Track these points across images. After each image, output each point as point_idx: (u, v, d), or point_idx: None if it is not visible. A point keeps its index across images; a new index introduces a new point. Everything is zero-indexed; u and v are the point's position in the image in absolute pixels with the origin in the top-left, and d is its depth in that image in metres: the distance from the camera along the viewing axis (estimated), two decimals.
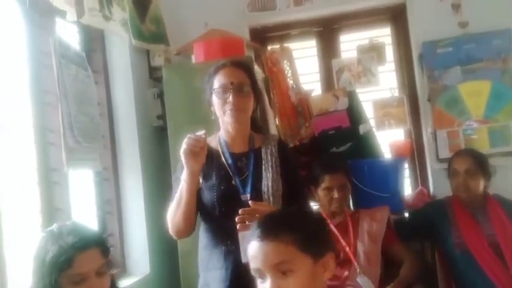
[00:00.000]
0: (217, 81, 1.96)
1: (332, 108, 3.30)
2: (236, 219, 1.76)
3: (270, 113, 2.98)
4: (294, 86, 3.32)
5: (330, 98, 3.34)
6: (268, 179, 1.94)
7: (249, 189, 1.91)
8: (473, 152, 2.78)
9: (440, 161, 3.18)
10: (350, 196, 2.89)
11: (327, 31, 3.63)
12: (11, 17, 2.14)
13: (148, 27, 3.07)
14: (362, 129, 3.22)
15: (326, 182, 2.73)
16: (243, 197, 1.90)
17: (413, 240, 3.01)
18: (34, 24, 2.20)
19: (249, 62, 2.04)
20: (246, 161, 1.98)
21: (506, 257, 2.48)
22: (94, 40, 2.82)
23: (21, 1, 2.03)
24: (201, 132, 1.83)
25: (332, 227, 2.66)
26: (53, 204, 2.18)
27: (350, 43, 3.59)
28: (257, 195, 1.90)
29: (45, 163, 2.18)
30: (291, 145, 3.26)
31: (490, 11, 3.16)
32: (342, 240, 2.63)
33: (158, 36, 3.19)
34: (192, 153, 1.79)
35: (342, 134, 3.23)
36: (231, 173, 1.95)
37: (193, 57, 2.94)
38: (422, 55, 3.26)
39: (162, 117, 2.95)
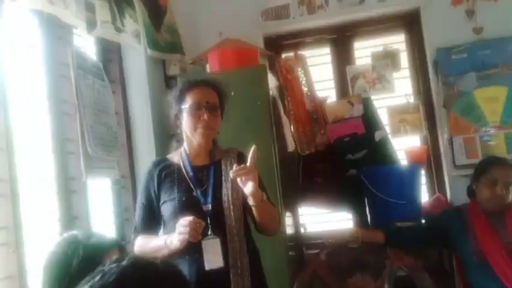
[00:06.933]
0: (191, 99, 2.00)
1: (347, 115, 3.30)
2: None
3: (285, 121, 2.99)
4: (309, 94, 3.33)
5: (345, 105, 3.35)
6: (228, 189, 1.98)
7: (209, 199, 1.95)
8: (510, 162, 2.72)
9: (457, 167, 3.16)
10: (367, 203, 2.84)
11: (341, 38, 3.63)
12: (29, 29, 2.18)
13: (163, 37, 3.11)
14: (377, 136, 3.21)
15: None
16: (204, 208, 1.94)
17: (431, 248, 2.99)
18: (52, 36, 2.24)
19: (219, 82, 2.09)
20: (207, 173, 2.02)
21: None
22: (111, 50, 2.85)
23: (39, 13, 2.06)
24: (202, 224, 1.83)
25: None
26: (71, 213, 2.21)
27: (364, 50, 3.60)
28: (218, 204, 1.94)
29: (64, 172, 2.21)
30: (307, 152, 3.27)
31: (504, 16, 3.14)
32: None
33: (174, 46, 3.23)
34: (192, 237, 1.79)
35: (358, 141, 3.23)
36: (192, 185, 1.98)
37: (208, 66, 2.96)
38: (436, 61, 3.25)
39: None
